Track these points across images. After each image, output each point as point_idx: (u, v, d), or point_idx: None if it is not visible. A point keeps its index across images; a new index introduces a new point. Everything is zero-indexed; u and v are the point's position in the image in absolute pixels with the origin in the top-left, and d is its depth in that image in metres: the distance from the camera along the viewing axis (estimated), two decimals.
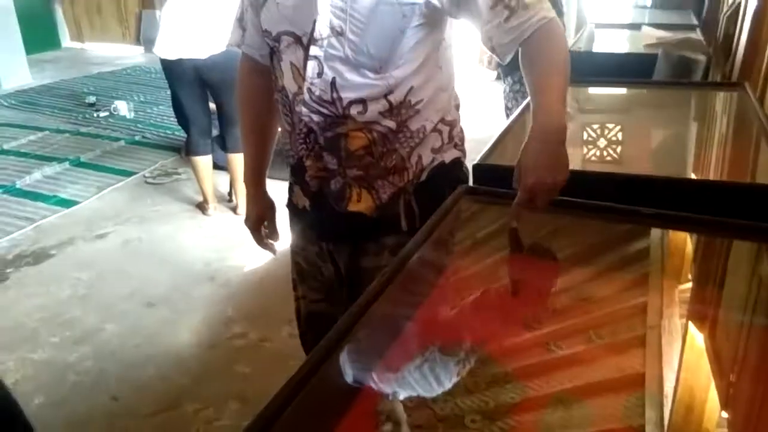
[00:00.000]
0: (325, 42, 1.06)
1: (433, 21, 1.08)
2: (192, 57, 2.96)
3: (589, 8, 5.59)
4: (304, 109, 1.11)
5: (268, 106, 1.29)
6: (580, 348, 1.18)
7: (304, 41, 1.08)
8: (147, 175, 4.00)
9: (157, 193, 3.73)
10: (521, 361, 1.14)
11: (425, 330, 0.98)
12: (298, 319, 1.40)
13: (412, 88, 1.10)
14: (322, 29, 1.05)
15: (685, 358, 1.10)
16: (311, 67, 1.08)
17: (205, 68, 3.00)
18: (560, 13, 3.52)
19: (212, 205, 3.42)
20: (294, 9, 1.08)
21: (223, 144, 3.33)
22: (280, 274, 2.82)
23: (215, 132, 3.40)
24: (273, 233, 1.40)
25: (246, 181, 1.37)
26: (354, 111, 1.09)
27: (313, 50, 1.07)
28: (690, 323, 1.16)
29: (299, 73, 1.10)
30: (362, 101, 1.09)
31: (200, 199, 3.47)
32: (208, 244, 3.11)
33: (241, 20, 1.24)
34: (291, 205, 1.30)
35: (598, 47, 3.42)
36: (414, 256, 0.93)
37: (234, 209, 3.43)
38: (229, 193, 3.55)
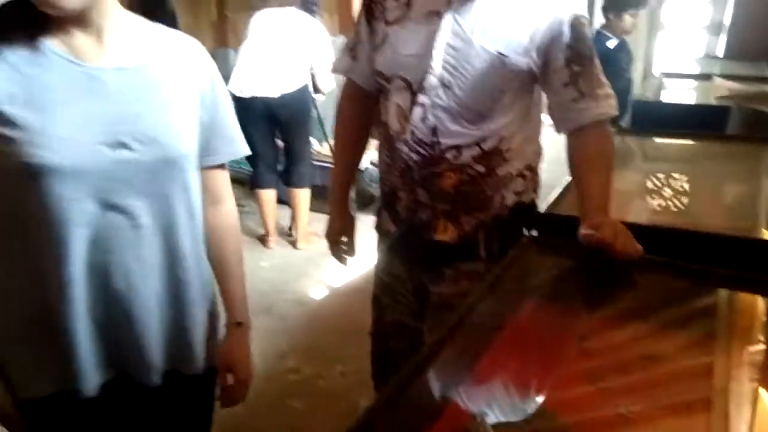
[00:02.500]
0: (433, 92, 1.16)
1: (528, 83, 1.20)
2: (264, 95, 3.11)
3: (657, 57, 5.52)
4: (404, 148, 1.21)
5: (363, 131, 1.44)
6: (641, 407, 1.14)
7: (413, 87, 1.19)
8: None
9: None
10: (579, 416, 1.12)
11: (485, 380, 0.99)
12: (374, 335, 1.50)
13: (503, 138, 1.20)
14: (432, 81, 1.16)
15: (756, 424, 1.05)
16: (417, 112, 1.18)
17: (275, 106, 3.15)
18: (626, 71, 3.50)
19: (273, 238, 3.52)
20: (410, 58, 1.18)
21: (287, 179, 3.44)
22: (336, 311, 2.87)
23: (280, 167, 3.52)
24: (350, 249, 1.52)
25: (332, 197, 1.50)
26: (449, 155, 1.19)
27: (421, 98, 1.17)
28: (761, 388, 1.11)
29: (404, 115, 1.21)
30: (458, 147, 1.19)
31: (262, 231, 3.58)
32: (266, 276, 3.19)
33: (353, 50, 1.35)
34: (379, 228, 1.41)
35: (667, 97, 3.37)
36: (480, 301, 0.95)
37: (294, 243, 3.52)
38: (290, 228, 3.65)
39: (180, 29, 1.03)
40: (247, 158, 3.54)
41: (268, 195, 3.41)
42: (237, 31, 3.92)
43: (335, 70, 1.42)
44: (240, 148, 1.10)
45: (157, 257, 0.98)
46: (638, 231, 1.07)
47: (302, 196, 3.42)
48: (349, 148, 1.47)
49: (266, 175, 3.38)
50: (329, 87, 3.38)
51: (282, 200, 3.59)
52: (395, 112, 1.23)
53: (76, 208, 0.90)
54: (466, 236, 1.26)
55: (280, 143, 3.43)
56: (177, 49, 1.00)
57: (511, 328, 1.11)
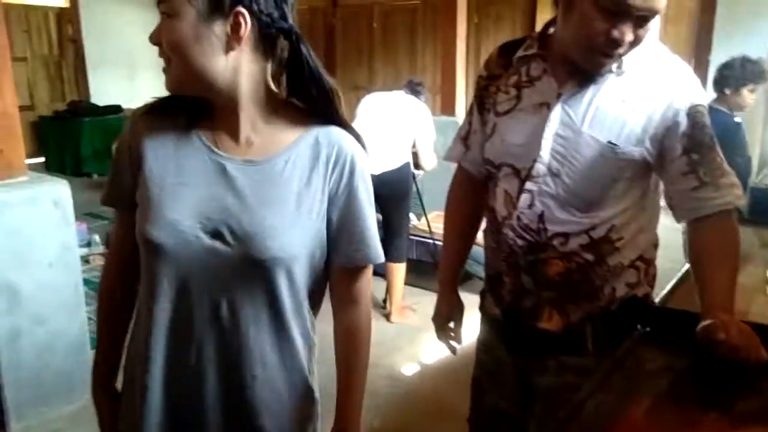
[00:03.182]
0: (541, 179, 1.17)
1: (643, 172, 1.17)
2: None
3: None
4: (510, 233, 1.22)
5: (473, 217, 1.45)
6: None
7: (521, 175, 1.20)
8: None
9: None
10: None
11: None
12: (472, 421, 1.45)
13: (614, 226, 1.17)
14: (540, 168, 1.17)
15: None
16: (524, 198, 1.19)
17: (375, 182, 3.24)
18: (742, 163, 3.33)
19: None
20: (519, 147, 1.21)
21: (384, 253, 3.49)
22: (427, 391, 2.82)
23: None
24: (457, 336, 1.50)
25: (441, 280, 1.50)
26: (556, 242, 1.18)
27: (529, 185, 1.18)
28: None
29: (511, 201, 1.22)
30: (565, 234, 1.18)
31: None
32: None
33: (465, 139, 1.40)
34: (483, 310, 1.39)
35: None
36: (589, 398, 0.91)
37: (387, 317, 3.52)
38: (384, 300, 3.67)
39: (339, 108, 0.98)
40: None
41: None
42: (347, 110, 4.08)
43: (447, 158, 1.46)
44: (373, 254, 1.01)
45: (229, 352, 0.96)
46: (763, 332, 0.99)
47: (398, 270, 3.46)
48: (459, 233, 1.48)
49: None
50: (431, 164, 3.47)
51: (378, 272, 3.64)
52: (503, 197, 1.24)
53: (165, 285, 0.94)
54: (573, 327, 1.21)
55: (378, 216, 3.52)
56: (321, 144, 0.96)
57: (622, 430, 1.05)
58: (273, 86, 0.95)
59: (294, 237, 0.93)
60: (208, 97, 0.94)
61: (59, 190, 2.31)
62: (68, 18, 8.29)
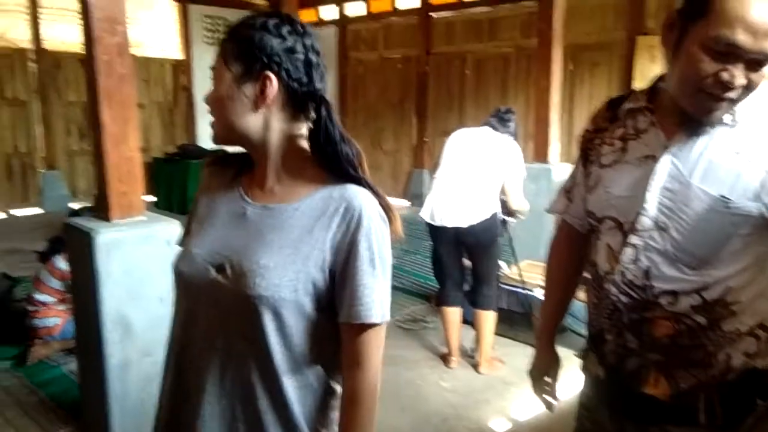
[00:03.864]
0: (646, 234, 1.13)
1: (763, 230, 1.09)
2: (454, 225, 3.23)
3: None
4: (613, 289, 1.17)
5: (574, 270, 1.42)
6: None
7: (625, 228, 1.16)
8: (399, 319, 4.28)
9: (405, 338, 3.94)
10: None
11: None
12: None
13: (729, 288, 1.09)
14: (645, 222, 1.13)
15: None
16: (628, 253, 1.15)
17: (464, 233, 3.24)
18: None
19: (456, 358, 3.49)
20: (622, 199, 1.18)
21: (473, 300, 3.45)
22: None
23: (467, 287, 3.56)
24: (553, 391, 1.45)
25: (539, 333, 1.49)
26: (663, 300, 1.12)
27: (633, 238, 1.14)
28: None
29: (614, 256, 1.18)
30: (674, 293, 1.11)
31: (444, 350, 3.57)
32: (447, 398, 3.14)
33: (569, 192, 1.39)
34: (585, 369, 1.34)
35: None
36: None
37: (475, 366, 3.45)
38: (473, 349, 3.60)
39: (358, 169, 1.04)
40: (435, 275, 3.67)
41: (453, 314, 3.43)
42: (433, 154, 4.17)
43: (551, 211, 1.45)
44: (366, 313, 0.99)
45: (223, 381, 1.03)
46: None
47: (486, 318, 3.39)
48: (560, 286, 1.46)
49: (453, 293, 3.42)
50: (522, 207, 3.41)
51: (467, 320, 3.59)
52: (605, 252, 1.21)
53: (179, 310, 1.09)
54: (682, 395, 1.14)
55: (468, 263, 3.49)
56: (333, 198, 1.01)
57: None
58: (299, 143, 1.05)
59: (282, 278, 0.98)
60: (247, 149, 1.08)
61: (171, 230, 2.47)
62: (182, 69, 9.05)
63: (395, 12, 8.89)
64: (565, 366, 1.47)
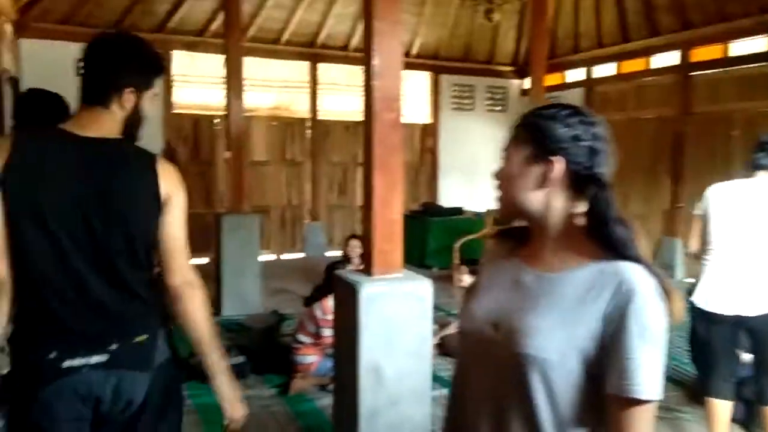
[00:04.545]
0: None
1: None
2: (736, 314, 2.80)
3: None
4: None
5: None
6: None
7: None
8: None
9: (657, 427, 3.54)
10: None
11: None
12: None
13: None
14: None
15: None
16: None
17: (748, 321, 2.80)
18: None
19: None
20: None
21: (759, 396, 2.97)
22: None
23: (733, 379, 3.06)
24: None
25: None
26: None
27: None
28: None
29: None
30: None
31: None
32: None
33: None
34: None
35: None
36: None
37: None
38: None
39: (631, 249, 1.07)
40: (697, 361, 3.23)
41: (723, 407, 2.94)
42: (688, 221, 3.72)
43: None
44: (630, 388, 1.00)
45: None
46: None
47: None
48: None
49: (724, 384, 2.94)
50: None
51: (735, 419, 3.10)
52: None
53: (459, 364, 1.26)
54: None
55: (748, 356, 3.02)
56: (606, 273, 1.06)
57: None
58: (576, 220, 1.12)
59: (550, 341, 1.04)
60: (528, 222, 1.17)
61: (424, 287, 2.64)
62: (430, 132, 9.70)
63: (649, 71, 8.43)
64: None
